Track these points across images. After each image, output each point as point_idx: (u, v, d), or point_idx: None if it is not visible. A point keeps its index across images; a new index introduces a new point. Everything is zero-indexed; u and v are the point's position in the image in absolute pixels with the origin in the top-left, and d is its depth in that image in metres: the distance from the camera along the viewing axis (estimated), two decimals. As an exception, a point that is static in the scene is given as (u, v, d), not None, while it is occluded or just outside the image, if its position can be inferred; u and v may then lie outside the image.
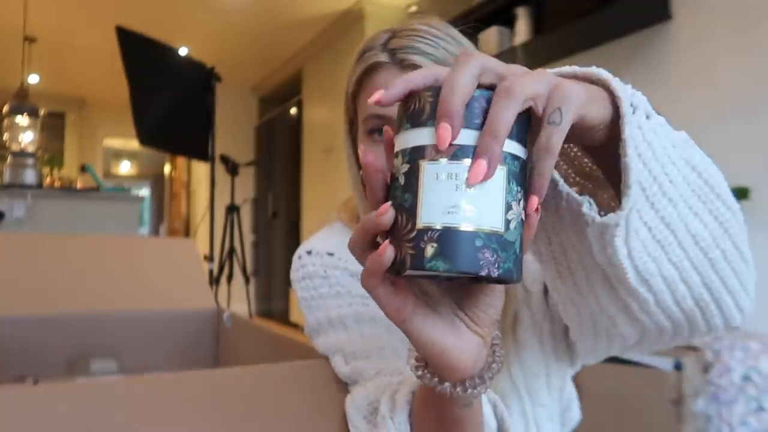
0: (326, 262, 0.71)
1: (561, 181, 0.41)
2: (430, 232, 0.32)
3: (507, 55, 2.99)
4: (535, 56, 2.98)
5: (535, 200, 0.34)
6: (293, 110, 5.29)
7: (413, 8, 4.06)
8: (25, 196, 2.83)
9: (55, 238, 0.91)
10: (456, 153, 0.32)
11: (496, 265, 0.32)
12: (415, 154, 0.33)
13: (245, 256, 3.72)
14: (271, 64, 5.51)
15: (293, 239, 5.12)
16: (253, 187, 6.06)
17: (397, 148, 0.35)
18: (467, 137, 0.32)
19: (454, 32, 0.65)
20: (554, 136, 0.33)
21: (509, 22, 3.07)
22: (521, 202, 0.34)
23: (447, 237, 0.32)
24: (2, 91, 5.00)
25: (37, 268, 0.85)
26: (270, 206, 5.62)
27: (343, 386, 0.50)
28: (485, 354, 0.40)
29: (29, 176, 3.10)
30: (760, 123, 2.19)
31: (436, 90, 0.33)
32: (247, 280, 3.75)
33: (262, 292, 5.73)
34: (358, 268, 0.64)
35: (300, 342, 0.65)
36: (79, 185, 5.28)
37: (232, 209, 3.66)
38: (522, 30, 2.95)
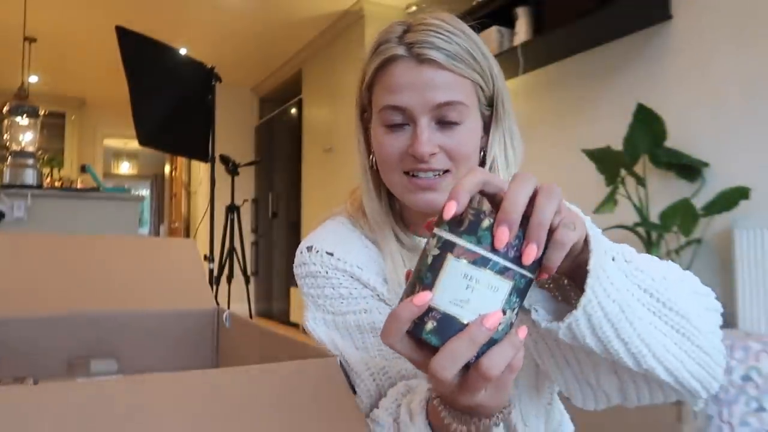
0: (326, 262, 0.71)
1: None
2: (434, 312, 0.38)
3: (507, 55, 2.99)
4: (535, 56, 2.98)
5: (524, 330, 0.40)
6: (293, 110, 5.29)
7: (413, 8, 4.06)
8: (25, 196, 2.83)
9: (55, 238, 0.91)
10: (476, 261, 0.38)
11: (477, 353, 0.39)
12: (447, 246, 0.39)
13: (245, 256, 3.72)
14: (271, 65, 5.51)
15: (293, 239, 5.12)
16: (253, 187, 6.06)
17: (435, 231, 0.40)
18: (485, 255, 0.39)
19: (465, 27, 0.67)
20: (568, 236, 0.42)
21: (509, 22, 3.07)
22: (515, 311, 0.40)
23: (445, 322, 0.38)
24: (2, 91, 5.00)
25: (37, 268, 0.84)
26: (270, 206, 5.62)
27: (344, 385, 0.50)
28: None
29: (29, 176, 3.10)
30: (760, 123, 2.19)
31: (477, 210, 0.39)
32: (247, 280, 3.75)
33: (262, 292, 5.74)
34: (357, 270, 0.68)
35: (300, 342, 0.65)
36: (79, 185, 5.28)
37: (232, 209, 3.66)
38: (522, 30, 2.95)
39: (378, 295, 0.70)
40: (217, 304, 0.93)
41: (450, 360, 0.38)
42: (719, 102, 2.33)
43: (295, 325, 4.91)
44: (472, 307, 0.38)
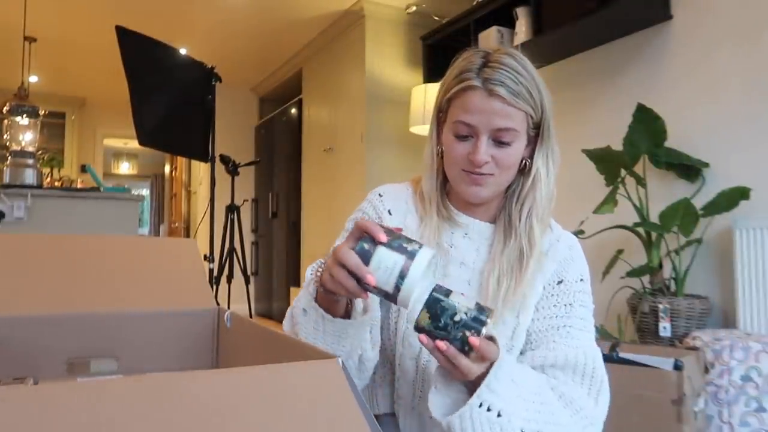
0: (383, 216, 0.96)
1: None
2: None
3: (507, 55, 2.99)
4: (535, 56, 2.97)
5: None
6: (293, 110, 5.28)
7: (413, 8, 4.06)
8: (25, 196, 2.83)
9: (55, 238, 0.91)
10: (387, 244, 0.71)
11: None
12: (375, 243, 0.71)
13: (245, 256, 3.72)
14: (271, 65, 5.51)
15: (293, 239, 5.12)
16: (253, 187, 6.06)
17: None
18: None
19: (531, 67, 0.90)
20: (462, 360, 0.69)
21: (509, 22, 3.06)
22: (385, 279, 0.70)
23: (363, 257, 0.69)
24: (2, 91, 5.00)
25: (37, 268, 0.84)
26: (270, 206, 5.62)
27: (345, 386, 0.50)
28: None
29: (29, 176, 3.09)
30: (760, 123, 2.19)
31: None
32: (247, 280, 3.75)
33: (262, 292, 5.73)
34: (386, 216, 0.96)
35: (301, 342, 0.65)
36: (79, 185, 5.28)
37: (232, 209, 3.66)
38: (522, 30, 2.95)
39: None
40: (217, 304, 0.93)
41: (345, 257, 0.67)
42: (719, 102, 2.33)
43: (295, 325, 4.90)
44: (375, 267, 0.67)
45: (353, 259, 0.67)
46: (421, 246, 0.67)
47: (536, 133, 0.90)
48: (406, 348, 0.87)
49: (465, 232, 0.91)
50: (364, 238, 0.68)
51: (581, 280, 0.90)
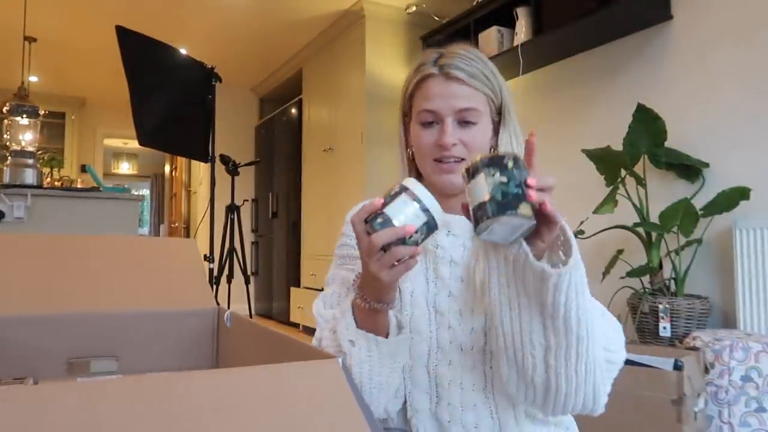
0: (349, 230, 0.97)
1: (530, 253, 0.67)
2: (383, 215, 0.69)
3: (507, 55, 2.99)
4: (535, 56, 2.98)
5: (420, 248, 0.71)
6: (293, 110, 5.28)
7: (413, 8, 4.06)
8: (25, 196, 2.83)
9: (55, 238, 0.91)
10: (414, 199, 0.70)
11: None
12: (403, 189, 0.71)
13: (245, 256, 3.72)
14: (271, 65, 5.51)
15: (293, 239, 5.12)
16: (253, 187, 6.06)
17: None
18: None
19: (483, 56, 0.91)
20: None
21: (509, 22, 3.07)
22: (422, 236, 0.71)
23: (387, 221, 0.68)
24: (2, 91, 5.00)
25: (37, 268, 0.84)
26: (270, 206, 5.62)
27: (345, 386, 0.50)
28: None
29: (29, 176, 3.09)
30: (760, 123, 2.19)
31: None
32: (247, 280, 3.75)
33: (262, 292, 5.73)
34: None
35: (300, 342, 0.65)
36: (79, 185, 5.27)
37: (232, 209, 3.66)
38: (522, 30, 2.95)
39: None
40: (217, 304, 0.93)
41: (380, 238, 0.67)
42: (719, 102, 2.33)
43: (295, 325, 4.91)
44: (402, 220, 0.67)
45: (385, 234, 0.68)
46: (400, 184, 0.70)
47: (499, 119, 0.93)
48: (414, 359, 0.86)
49: (447, 230, 0.91)
50: (368, 221, 0.70)
51: None
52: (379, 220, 0.69)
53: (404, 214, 0.68)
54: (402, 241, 0.68)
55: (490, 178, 0.61)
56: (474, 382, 0.84)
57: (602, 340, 0.74)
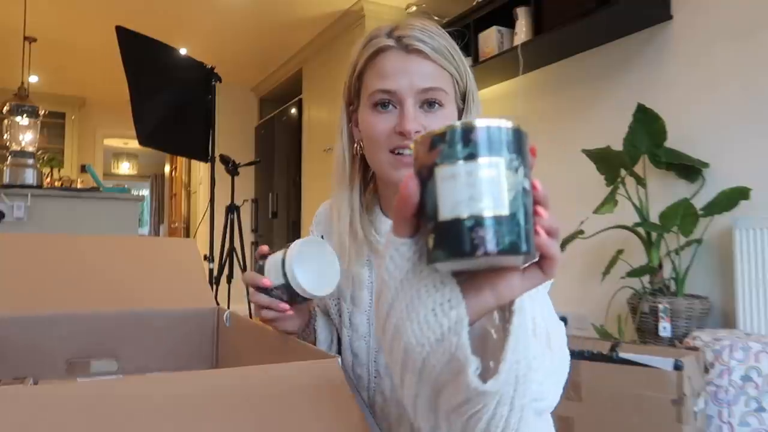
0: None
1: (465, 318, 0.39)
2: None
3: (507, 55, 2.99)
4: (535, 56, 2.98)
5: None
6: (293, 110, 5.28)
7: (413, 8, 4.06)
8: (25, 196, 2.83)
9: (55, 238, 0.91)
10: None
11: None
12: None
13: (245, 256, 3.72)
14: (271, 65, 5.51)
15: (293, 239, 5.11)
16: (253, 187, 6.06)
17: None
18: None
19: (445, 32, 0.76)
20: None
21: (509, 22, 3.06)
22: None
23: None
24: (2, 91, 5.00)
25: (37, 268, 0.84)
26: (270, 206, 5.62)
27: (345, 386, 0.50)
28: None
29: (29, 176, 3.09)
30: (760, 123, 2.19)
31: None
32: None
33: (262, 292, 5.73)
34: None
35: (300, 342, 0.65)
36: (79, 185, 5.28)
37: (232, 209, 3.66)
38: (522, 30, 2.95)
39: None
40: (217, 304, 0.93)
41: (245, 277, 0.65)
42: (719, 102, 2.33)
43: (295, 325, 4.91)
44: (269, 270, 0.69)
45: (249, 275, 0.69)
46: (298, 240, 0.71)
47: (463, 107, 0.78)
48: (356, 381, 0.81)
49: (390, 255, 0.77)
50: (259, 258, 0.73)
51: None
52: (260, 261, 0.71)
53: (273, 267, 0.68)
54: (265, 290, 0.69)
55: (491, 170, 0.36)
56: (402, 413, 0.74)
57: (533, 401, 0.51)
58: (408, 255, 0.40)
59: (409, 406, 0.43)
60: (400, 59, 0.72)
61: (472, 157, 0.35)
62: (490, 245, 0.35)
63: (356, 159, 0.81)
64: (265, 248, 0.71)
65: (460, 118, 0.77)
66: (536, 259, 0.40)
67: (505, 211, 0.35)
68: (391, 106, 0.73)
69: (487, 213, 0.35)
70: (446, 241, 0.36)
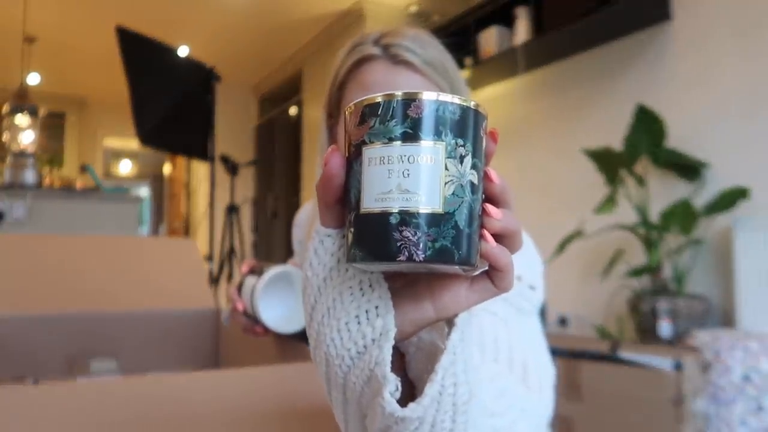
0: (295, 250, 0.93)
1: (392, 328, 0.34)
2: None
3: (507, 55, 2.99)
4: (534, 56, 2.98)
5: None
6: (293, 110, 5.28)
7: (413, 8, 4.06)
8: (25, 196, 2.83)
9: (55, 238, 0.91)
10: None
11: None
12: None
13: (245, 256, 3.72)
14: (271, 64, 5.51)
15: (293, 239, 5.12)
16: (253, 187, 6.06)
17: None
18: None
19: (438, 42, 0.69)
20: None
21: (509, 22, 3.06)
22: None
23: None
24: (2, 91, 4.99)
25: (37, 268, 0.84)
26: (270, 206, 5.62)
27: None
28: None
29: (29, 176, 3.10)
30: (760, 123, 2.19)
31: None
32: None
33: (262, 292, 5.73)
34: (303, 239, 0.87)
35: (299, 343, 0.65)
36: (79, 185, 5.28)
37: (232, 209, 3.66)
38: (522, 30, 2.95)
39: None
40: (217, 304, 0.93)
41: (229, 291, 0.60)
42: (719, 102, 2.33)
43: (295, 325, 4.91)
44: (244, 291, 0.71)
45: (230, 294, 0.72)
46: (276, 267, 0.70)
47: None
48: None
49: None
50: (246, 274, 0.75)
51: (517, 278, 0.63)
52: (242, 278, 0.73)
53: (247, 292, 0.70)
54: (244, 310, 0.71)
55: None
56: None
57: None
58: (332, 249, 0.34)
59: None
60: (385, 71, 0.65)
61: (408, 137, 0.29)
62: (416, 250, 0.28)
63: None
64: (248, 264, 0.73)
65: None
66: (484, 269, 0.33)
67: (438, 209, 0.29)
68: None
69: (419, 209, 0.29)
70: (366, 237, 0.29)
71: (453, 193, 0.29)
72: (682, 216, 2.20)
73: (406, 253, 0.29)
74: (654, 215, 2.30)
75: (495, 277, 0.33)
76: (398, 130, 0.29)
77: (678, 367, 1.67)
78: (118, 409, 0.41)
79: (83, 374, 0.78)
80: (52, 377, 0.77)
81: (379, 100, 0.30)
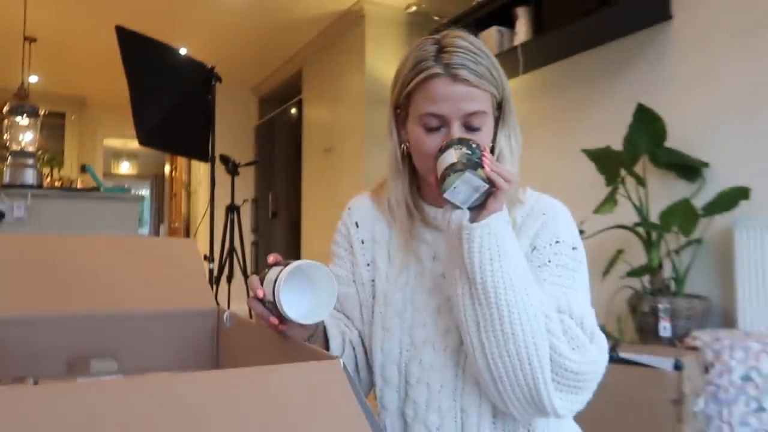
0: (350, 230, 1.01)
1: (467, 214, 0.77)
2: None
3: (507, 55, 2.99)
4: (535, 56, 2.98)
5: None
6: (293, 110, 5.28)
7: (413, 8, 4.06)
8: (25, 196, 2.83)
9: (55, 238, 0.91)
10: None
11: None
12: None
13: (245, 256, 3.71)
14: (271, 65, 5.51)
15: (293, 239, 5.12)
16: (253, 187, 6.06)
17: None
18: None
19: (486, 48, 0.87)
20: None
21: (509, 22, 3.06)
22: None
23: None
24: (2, 91, 4.99)
25: (37, 268, 0.84)
26: (270, 206, 5.62)
27: (346, 386, 0.50)
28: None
29: (29, 176, 3.09)
30: (760, 123, 2.19)
31: None
32: (247, 280, 3.74)
33: (262, 292, 5.73)
34: (368, 237, 1.00)
35: (301, 342, 0.65)
36: (79, 185, 5.28)
37: (232, 209, 3.66)
38: (522, 30, 2.95)
39: (358, 277, 0.97)
40: (217, 304, 0.93)
41: (250, 281, 0.78)
42: (719, 102, 2.33)
43: (295, 325, 4.90)
44: (266, 282, 0.75)
45: (250, 280, 0.77)
46: (299, 261, 0.74)
47: (499, 114, 0.89)
48: (385, 356, 0.87)
49: (433, 227, 0.91)
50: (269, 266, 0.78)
51: (556, 242, 0.86)
52: (265, 270, 0.76)
53: (269, 282, 0.73)
54: (260, 300, 0.74)
55: (458, 150, 0.75)
56: (442, 383, 0.83)
57: (541, 337, 0.73)
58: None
59: (463, 315, 0.76)
60: (448, 87, 0.82)
61: (443, 150, 0.82)
62: (453, 171, 0.76)
63: (405, 157, 0.95)
64: (274, 257, 0.77)
65: (496, 126, 0.89)
66: (488, 185, 0.75)
67: (454, 160, 0.77)
68: (439, 128, 0.85)
69: (448, 164, 0.78)
70: (441, 179, 0.77)
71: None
72: (682, 216, 2.20)
73: (463, 167, 0.75)
74: (654, 215, 2.30)
75: (492, 188, 0.75)
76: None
77: (678, 367, 1.67)
78: (118, 409, 0.41)
79: (83, 374, 0.78)
80: (52, 377, 0.77)
81: None
